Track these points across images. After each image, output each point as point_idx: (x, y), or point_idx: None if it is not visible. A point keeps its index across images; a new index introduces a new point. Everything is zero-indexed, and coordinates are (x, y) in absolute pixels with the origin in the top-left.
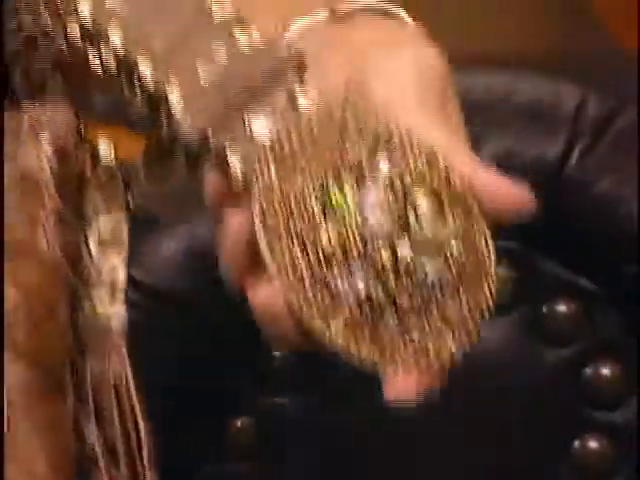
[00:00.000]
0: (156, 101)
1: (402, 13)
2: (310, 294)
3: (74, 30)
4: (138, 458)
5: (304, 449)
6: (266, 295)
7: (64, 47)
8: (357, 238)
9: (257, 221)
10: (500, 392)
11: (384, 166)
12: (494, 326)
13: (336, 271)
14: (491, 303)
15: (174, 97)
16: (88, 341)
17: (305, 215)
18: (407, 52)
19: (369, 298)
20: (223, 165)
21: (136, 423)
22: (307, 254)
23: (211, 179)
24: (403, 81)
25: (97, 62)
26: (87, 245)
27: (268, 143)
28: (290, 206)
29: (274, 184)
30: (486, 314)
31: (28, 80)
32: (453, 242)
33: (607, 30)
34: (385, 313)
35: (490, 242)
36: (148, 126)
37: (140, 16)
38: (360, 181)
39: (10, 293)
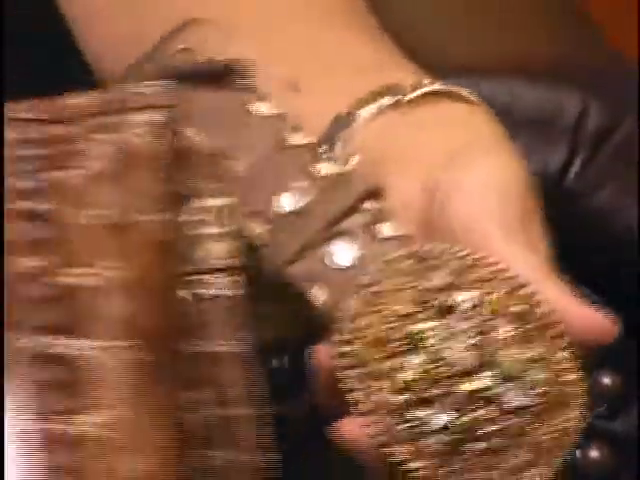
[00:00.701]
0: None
1: (468, 94)
2: (394, 428)
3: None
4: (252, 440)
5: None
6: (352, 428)
7: None
8: (439, 370)
9: (342, 357)
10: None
11: (466, 296)
12: None
13: (419, 404)
14: (577, 432)
15: (258, 231)
16: (198, 323)
17: (388, 349)
18: (489, 163)
19: (450, 429)
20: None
21: (255, 404)
22: (390, 388)
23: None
24: (486, 198)
25: None
26: (192, 221)
27: (352, 278)
28: (372, 340)
29: (356, 318)
30: (572, 442)
31: None
32: (537, 369)
33: (607, 39)
34: (465, 444)
35: (578, 370)
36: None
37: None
38: (442, 312)
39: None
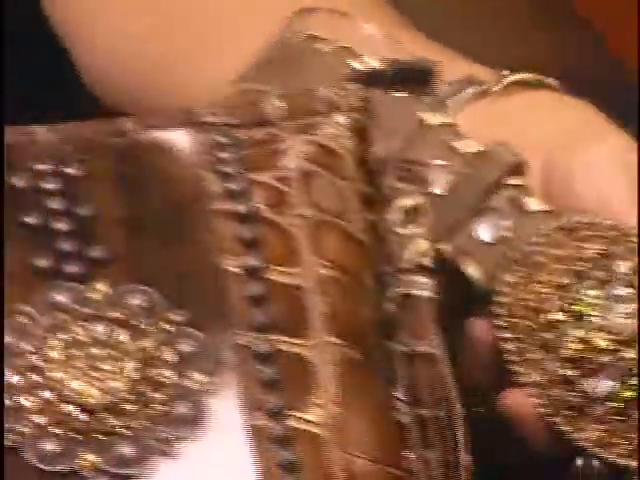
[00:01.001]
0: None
1: (555, 83)
2: (557, 398)
3: None
4: (450, 441)
5: None
6: (516, 399)
7: None
8: (603, 336)
9: (503, 332)
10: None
11: (623, 264)
12: None
13: (583, 374)
14: None
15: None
16: (396, 323)
17: (547, 321)
18: (611, 143)
19: (615, 399)
20: (454, 270)
21: (450, 404)
22: (553, 359)
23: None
24: (615, 178)
25: None
26: (388, 221)
27: (506, 250)
28: (531, 313)
29: (516, 291)
30: None
31: None
32: None
33: (608, 48)
34: (629, 413)
35: None
36: None
37: None
38: (600, 281)
39: (318, 267)
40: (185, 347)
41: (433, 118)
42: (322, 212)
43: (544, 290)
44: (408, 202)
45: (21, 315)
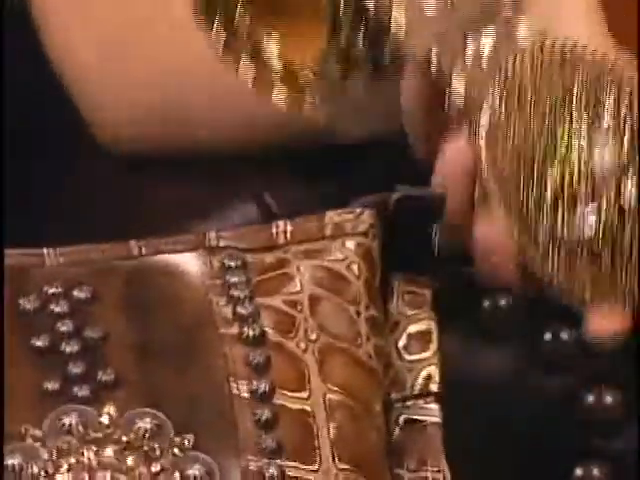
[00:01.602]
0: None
1: None
2: (535, 232)
3: None
4: None
5: None
6: (490, 230)
7: None
8: (586, 178)
9: (484, 156)
10: (500, 421)
11: (609, 107)
12: (493, 354)
13: (562, 211)
14: None
15: (399, 19)
16: (403, 448)
17: (534, 153)
18: None
19: (592, 238)
20: (441, 83)
21: None
22: (534, 193)
23: (413, 85)
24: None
25: None
26: (397, 349)
27: (496, 72)
28: (519, 143)
29: (502, 117)
30: None
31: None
32: None
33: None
34: (604, 253)
35: None
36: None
37: None
38: (588, 122)
39: (327, 392)
40: (194, 471)
41: None
42: (331, 337)
43: (527, 116)
44: (417, 328)
45: (31, 438)
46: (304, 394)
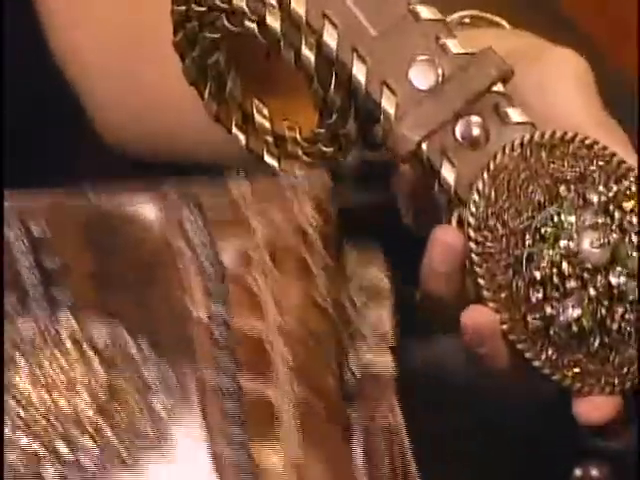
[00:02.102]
0: (369, 108)
1: (503, 22)
2: (523, 317)
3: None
4: None
5: None
6: (480, 316)
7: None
8: (573, 262)
9: (472, 243)
10: (499, 422)
11: (598, 188)
12: None
13: (551, 294)
14: None
15: (389, 106)
16: (355, 389)
17: (522, 238)
18: (554, 57)
19: (579, 321)
20: (430, 171)
21: (406, 469)
22: (522, 276)
23: (402, 169)
24: (567, 87)
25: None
26: (350, 296)
27: (486, 158)
28: (508, 226)
29: (491, 201)
30: None
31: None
32: None
33: (609, 64)
34: (593, 336)
35: None
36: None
37: (351, 17)
38: (578, 204)
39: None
40: (151, 375)
41: (425, 11)
42: (286, 276)
43: (517, 206)
44: (370, 282)
45: None
46: (260, 323)
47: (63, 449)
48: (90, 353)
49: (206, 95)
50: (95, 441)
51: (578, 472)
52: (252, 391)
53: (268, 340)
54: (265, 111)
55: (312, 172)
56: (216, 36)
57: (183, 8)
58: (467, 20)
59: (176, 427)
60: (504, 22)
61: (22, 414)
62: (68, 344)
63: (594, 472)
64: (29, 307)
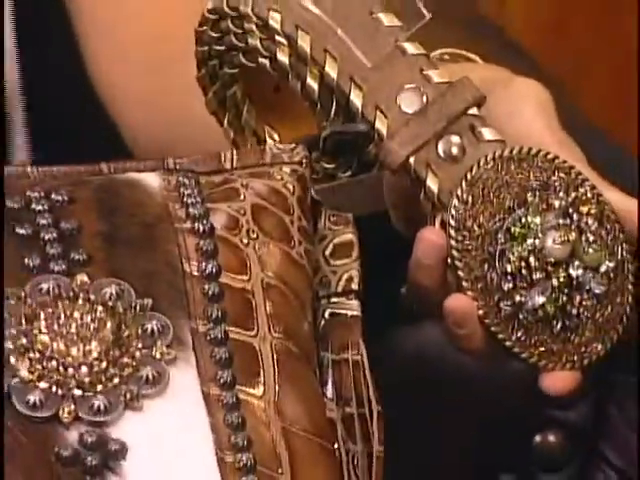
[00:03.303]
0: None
1: (477, 58)
2: (496, 304)
3: (284, 52)
4: (372, 436)
5: None
6: (460, 303)
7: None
8: (538, 257)
9: (453, 241)
10: (471, 396)
11: (559, 195)
12: None
13: (520, 285)
14: (628, 313)
15: (382, 126)
16: (326, 330)
17: (495, 237)
18: (521, 83)
19: (544, 307)
20: (417, 181)
21: (369, 398)
22: (495, 270)
23: (393, 181)
24: (531, 110)
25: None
26: (324, 256)
27: (464, 170)
28: (483, 227)
29: (468, 206)
30: (624, 322)
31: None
32: (608, 262)
33: (609, 138)
34: (555, 320)
35: (631, 263)
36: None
37: (348, 52)
38: (542, 208)
39: (264, 278)
40: (151, 325)
41: (410, 47)
42: (268, 237)
43: (494, 211)
44: (340, 239)
45: (14, 298)
46: (245, 277)
47: (76, 391)
48: (99, 307)
49: (225, 123)
50: (103, 384)
51: (538, 438)
52: (238, 338)
53: (252, 292)
54: (275, 136)
55: (292, 146)
56: (234, 71)
57: (205, 48)
58: (447, 57)
59: (172, 370)
60: (477, 58)
61: (43, 362)
62: (81, 299)
63: (551, 438)
64: (48, 265)
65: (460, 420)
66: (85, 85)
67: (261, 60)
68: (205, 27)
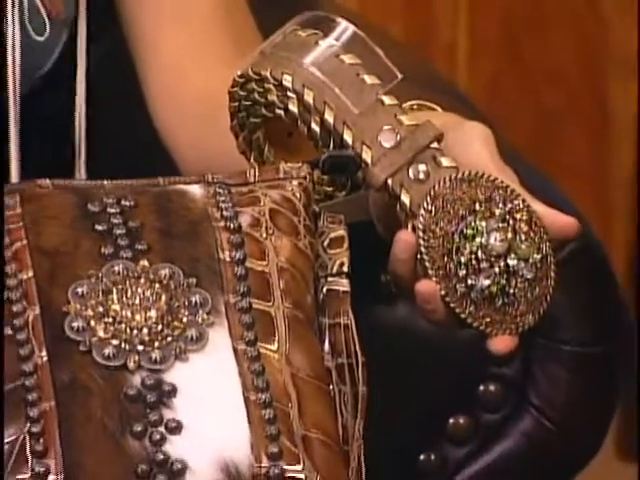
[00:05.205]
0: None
1: (438, 107)
2: (454, 286)
3: (294, 105)
4: (358, 380)
5: None
6: (427, 286)
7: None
8: (484, 251)
9: (421, 240)
10: (432, 355)
11: (499, 205)
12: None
13: (471, 272)
14: (551, 293)
15: (367, 157)
16: (324, 302)
17: (452, 237)
18: (470, 127)
19: (489, 288)
20: (394, 197)
21: (356, 354)
22: (452, 261)
23: (376, 197)
24: (478, 145)
25: (305, 128)
26: (323, 247)
27: (429, 188)
28: (443, 230)
29: (432, 214)
30: (548, 300)
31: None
32: (535, 255)
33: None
34: (497, 298)
35: (553, 256)
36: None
37: (341, 103)
38: (487, 215)
39: (278, 262)
40: (196, 298)
41: (387, 99)
42: (281, 232)
43: (451, 217)
44: (335, 234)
45: (93, 277)
46: (264, 262)
47: (139, 347)
48: (157, 285)
49: (251, 159)
50: (159, 341)
51: (481, 387)
52: (259, 307)
53: (269, 274)
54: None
55: (299, 165)
56: (257, 120)
57: (236, 104)
58: (415, 106)
59: (211, 332)
60: (438, 107)
61: (115, 325)
62: (143, 278)
63: (492, 387)
64: (119, 253)
65: (421, 373)
66: (152, 133)
67: (277, 111)
68: (235, 88)
